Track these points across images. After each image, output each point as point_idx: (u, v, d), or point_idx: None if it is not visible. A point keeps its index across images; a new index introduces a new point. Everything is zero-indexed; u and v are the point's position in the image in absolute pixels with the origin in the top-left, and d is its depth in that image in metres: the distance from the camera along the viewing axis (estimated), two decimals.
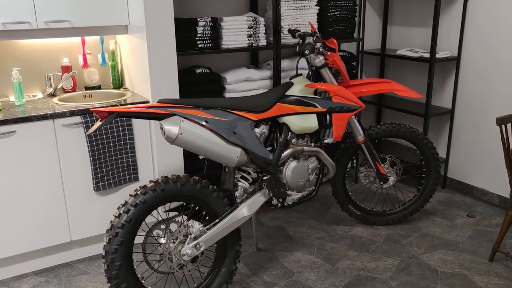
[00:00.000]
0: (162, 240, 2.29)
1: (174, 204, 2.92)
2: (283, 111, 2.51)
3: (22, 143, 2.54)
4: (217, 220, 2.34)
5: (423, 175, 3.20)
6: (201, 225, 2.28)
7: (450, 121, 3.72)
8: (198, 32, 3.01)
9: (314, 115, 2.62)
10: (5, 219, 2.59)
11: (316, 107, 2.59)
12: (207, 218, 2.39)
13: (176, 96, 2.88)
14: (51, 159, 2.64)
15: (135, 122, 2.82)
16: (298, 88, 2.61)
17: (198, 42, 3.04)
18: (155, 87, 2.79)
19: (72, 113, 2.64)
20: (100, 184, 2.77)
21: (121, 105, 2.77)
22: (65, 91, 3.11)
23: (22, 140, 2.54)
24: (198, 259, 2.32)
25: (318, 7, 3.45)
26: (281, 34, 3.30)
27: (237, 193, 2.49)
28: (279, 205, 2.64)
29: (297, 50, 2.83)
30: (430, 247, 2.97)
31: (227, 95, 3.22)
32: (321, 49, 2.71)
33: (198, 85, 3.11)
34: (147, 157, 2.91)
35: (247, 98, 2.45)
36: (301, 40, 2.82)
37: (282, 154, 2.55)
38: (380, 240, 3.08)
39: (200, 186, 2.28)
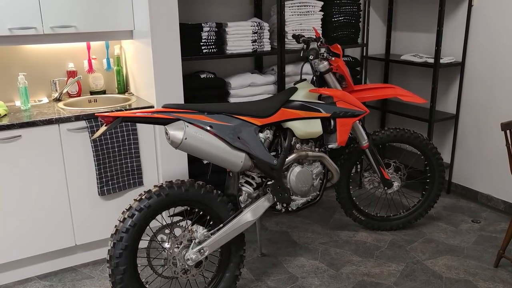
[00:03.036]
0: (166, 245, 2.29)
1: (179, 208, 2.92)
2: (287, 116, 2.52)
3: (27, 147, 2.56)
4: (221, 225, 2.34)
5: (428, 180, 3.20)
6: (205, 230, 2.28)
7: (455, 126, 3.72)
8: (203, 37, 3.03)
9: (318, 120, 2.62)
10: (10, 223, 2.60)
11: (320, 112, 2.59)
12: (211, 223, 2.39)
13: (181, 101, 2.89)
14: (56, 163, 2.65)
15: (140, 127, 2.83)
16: (302, 93, 2.61)
17: (203, 47, 3.05)
18: (159, 92, 2.80)
19: (77, 118, 2.65)
20: (105, 188, 2.77)
21: (126, 110, 2.79)
22: (70, 96, 3.13)
23: (27, 145, 2.56)
24: (202, 264, 2.32)
25: (323, 13, 3.46)
26: (286, 40, 3.31)
27: (241, 198, 2.49)
28: (283, 210, 2.64)
29: (301, 55, 2.84)
30: (435, 252, 2.96)
31: (232, 100, 3.23)
32: (325, 55, 2.71)
33: (203, 90, 3.12)
34: (152, 161, 2.92)
35: (251, 103, 2.45)
36: (305, 46, 2.83)
37: (286, 159, 2.55)
38: (385, 245, 3.07)
39: (205, 191, 2.28)
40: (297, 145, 2.62)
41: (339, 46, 2.80)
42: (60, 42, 2.80)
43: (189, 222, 2.42)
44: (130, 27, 2.92)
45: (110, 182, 2.78)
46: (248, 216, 2.40)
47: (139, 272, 2.79)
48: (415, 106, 3.98)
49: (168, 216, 2.37)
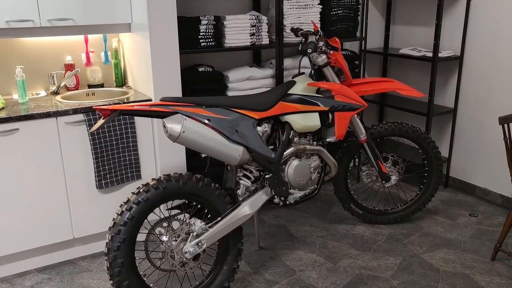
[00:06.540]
0: (164, 238, 2.30)
1: (176, 202, 2.93)
2: (285, 109, 2.52)
3: (25, 140, 2.55)
4: (219, 218, 2.34)
5: (425, 174, 3.20)
6: (203, 223, 2.29)
7: (453, 120, 3.72)
8: (201, 30, 3.02)
9: (317, 114, 2.62)
10: (8, 216, 2.60)
11: (319, 105, 2.59)
12: (209, 216, 2.40)
13: (179, 94, 2.89)
14: (54, 156, 2.65)
15: (138, 120, 2.82)
16: (301, 87, 2.61)
17: (201, 41, 3.04)
18: (157, 85, 2.80)
19: (75, 111, 2.64)
20: (103, 182, 2.77)
21: (124, 103, 2.78)
22: (68, 89, 3.12)
23: (25, 138, 2.55)
24: (200, 257, 2.33)
25: (321, 6, 3.45)
26: (284, 33, 3.29)
27: (239, 192, 2.49)
28: (281, 203, 2.64)
29: (299, 48, 2.83)
30: (432, 246, 2.97)
31: (230, 93, 3.23)
32: (323, 48, 2.71)
33: (201, 83, 3.11)
34: (150, 155, 2.91)
35: (249, 97, 2.45)
36: (303, 39, 2.82)
37: (284, 153, 2.55)
38: (382, 239, 3.08)
39: (202, 184, 2.28)
40: (295, 139, 2.62)
41: (337, 39, 2.79)
42: (57, 35, 2.79)
43: (187, 215, 2.43)
44: (128, 20, 2.91)
45: (108, 176, 2.78)
46: (246, 209, 2.40)
47: (137, 265, 2.79)
48: (413, 100, 3.98)
49: (166, 209, 2.37)
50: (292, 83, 2.61)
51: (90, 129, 2.67)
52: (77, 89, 3.15)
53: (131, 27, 2.95)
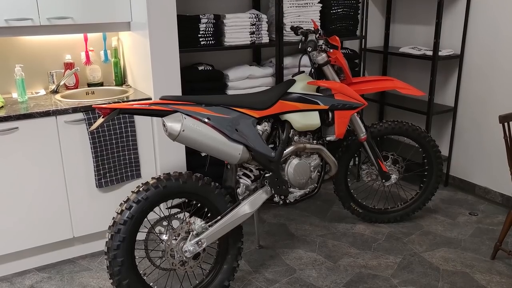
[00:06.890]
0: (164, 237, 2.29)
1: (176, 201, 2.93)
2: (285, 108, 2.51)
3: (24, 139, 2.55)
4: (219, 217, 2.34)
5: (425, 173, 3.20)
6: (203, 222, 2.28)
7: (453, 119, 3.72)
8: (201, 29, 3.01)
9: (317, 113, 2.62)
10: (7, 215, 2.60)
11: (319, 104, 2.59)
12: (209, 215, 2.40)
13: (179, 93, 2.89)
14: (53, 155, 2.64)
15: (138, 119, 2.82)
16: (301, 86, 2.60)
17: (201, 39, 3.04)
18: (157, 84, 2.79)
19: (75, 110, 2.64)
20: (103, 180, 2.77)
21: (123, 102, 2.78)
22: (67, 88, 3.12)
23: (24, 137, 2.55)
24: (200, 256, 2.32)
25: (321, 5, 3.44)
26: (284, 32, 3.29)
27: (239, 190, 2.49)
28: (281, 202, 2.64)
29: (299, 47, 2.83)
30: (432, 245, 2.97)
31: (230, 92, 3.22)
32: (323, 47, 2.70)
33: (201, 82, 3.11)
34: (149, 154, 2.91)
35: (249, 95, 2.45)
36: (303, 38, 2.82)
37: (284, 152, 2.55)
38: (382, 238, 3.08)
39: (202, 183, 2.28)
40: (295, 138, 2.62)
41: (337, 38, 2.79)
42: (57, 34, 2.78)
43: (187, 214, 2.42)
44: (127, 19, 2.90)
45: (108, 175, 2.78)
46: (246, 208, 2.40)
47: (137, 264, 2.79)
48: (413, 98, 3.98)
49: (166, 208, 2.37)
50: (292, 82, 2.61)
51: (89, 128, 2.67)
52: (77, 87, 3.14)
53: (131, 26, 2.95)
